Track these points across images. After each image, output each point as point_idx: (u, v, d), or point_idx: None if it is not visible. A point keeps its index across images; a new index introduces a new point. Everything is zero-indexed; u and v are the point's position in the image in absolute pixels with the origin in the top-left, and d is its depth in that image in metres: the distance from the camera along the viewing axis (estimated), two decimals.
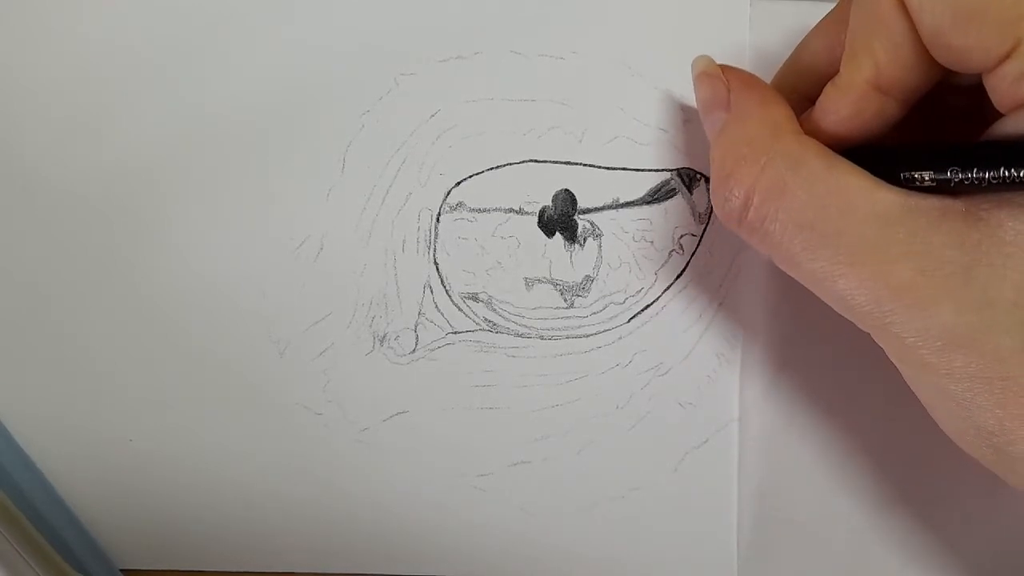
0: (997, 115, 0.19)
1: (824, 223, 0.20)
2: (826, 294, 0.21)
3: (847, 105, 0.21)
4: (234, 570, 0.33)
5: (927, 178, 0.20)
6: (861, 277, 0.20)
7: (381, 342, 0.30)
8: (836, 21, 0.23)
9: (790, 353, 0.29)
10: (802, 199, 0.20)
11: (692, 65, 0.25)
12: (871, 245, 0.20)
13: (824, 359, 0.29)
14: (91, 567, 0.33)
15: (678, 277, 0.29)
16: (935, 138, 0.23)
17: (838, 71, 0.21)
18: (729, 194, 0.22)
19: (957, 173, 0.19)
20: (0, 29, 0.27)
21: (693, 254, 0.29)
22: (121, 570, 0.33)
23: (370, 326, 0.29)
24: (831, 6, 0.24)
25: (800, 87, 0.24)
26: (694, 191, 0.28)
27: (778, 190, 0.21)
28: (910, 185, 0.20)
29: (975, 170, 0.19)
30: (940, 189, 0.20)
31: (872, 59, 0.20)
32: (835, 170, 0.20)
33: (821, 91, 0.22)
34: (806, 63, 0.24)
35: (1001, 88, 0.18)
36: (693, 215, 0.28)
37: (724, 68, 0.24)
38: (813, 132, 0.22)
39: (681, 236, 0.28)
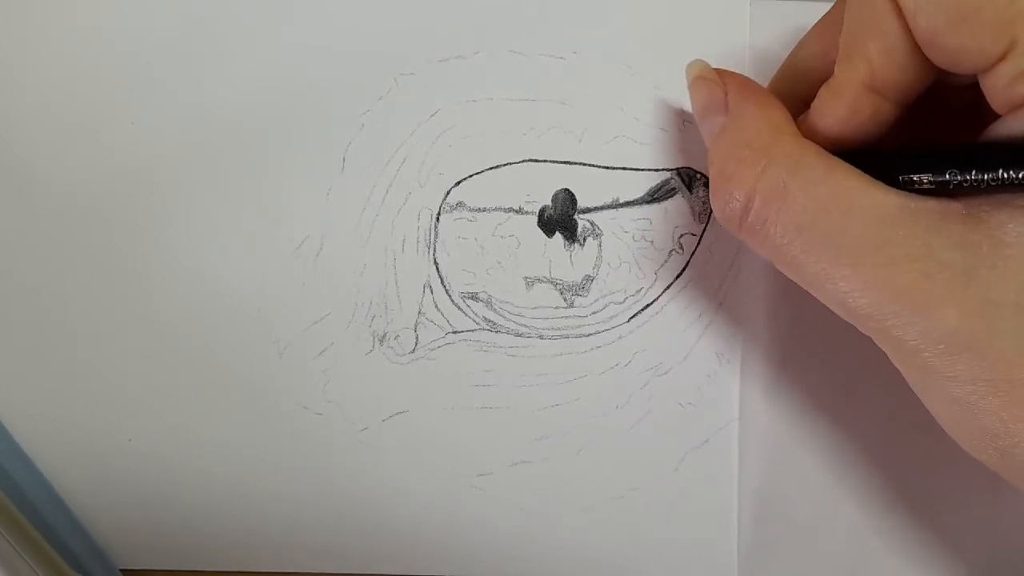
0: (995, 115, 0.19)
1: (825, 225, 0.20)
2: (827, 297, 0.21)
3: (842, 107, 0.21)
4: (234, 570, 0.33)
5: (926, 180, 0.20)
6: (863, 279, 0.20)
7: (381, 342, 0.30)
8: (831, 24, 0.23)
9: (790, 352, 0.29)
10: (802, 201, 0.20)
11: (687, 70, 0.25)
12: (872, 246, 0.19)
13: (824, 358, 0.29)
14: (90, 567, 0.33)
15: (678, 277, 0.29)
16: (933, 139, 0.23)
17: (833, 73, 0.21)
18: (729, 197, 0.22)
19: (956, 175, 0.19)
20: (0, 29, 0.27)
21: (693, 254, 0.29)
22: (121, 570, 0.33)
23: (370, 326, 0.29)
24: (831, 6, 0.24)
25: (796, 90, 0.24)
26: (694, 190, 0.28)
27: (778, 192, 0.21)
28: (909, 187, 0.20)
29: (974, 172, 0.19)
30: (939, 191, 0.20)
31: (866, 60, 0.20)
32: (835, 172, 0.20)
33: (817, 94, 0.22)
34: (802, 66, 0.24)
35: (997, 89, 0.18)
36: (693, 214, 0.28)
37: (720, 72, 0.24)
38: (809, 135, 0.22)
39: (681, 236, 0.28)
